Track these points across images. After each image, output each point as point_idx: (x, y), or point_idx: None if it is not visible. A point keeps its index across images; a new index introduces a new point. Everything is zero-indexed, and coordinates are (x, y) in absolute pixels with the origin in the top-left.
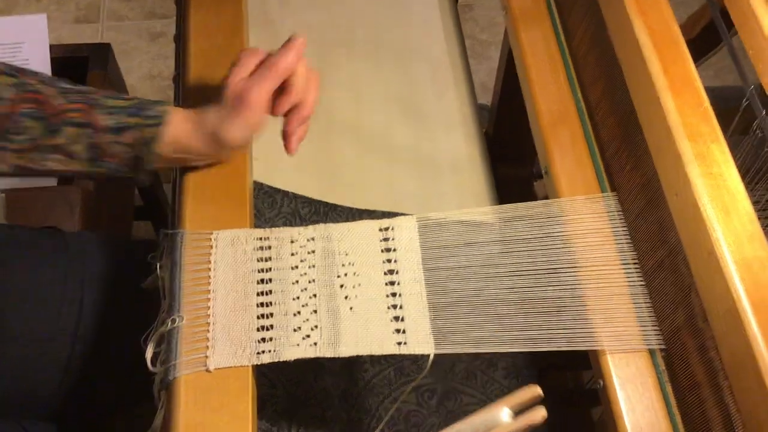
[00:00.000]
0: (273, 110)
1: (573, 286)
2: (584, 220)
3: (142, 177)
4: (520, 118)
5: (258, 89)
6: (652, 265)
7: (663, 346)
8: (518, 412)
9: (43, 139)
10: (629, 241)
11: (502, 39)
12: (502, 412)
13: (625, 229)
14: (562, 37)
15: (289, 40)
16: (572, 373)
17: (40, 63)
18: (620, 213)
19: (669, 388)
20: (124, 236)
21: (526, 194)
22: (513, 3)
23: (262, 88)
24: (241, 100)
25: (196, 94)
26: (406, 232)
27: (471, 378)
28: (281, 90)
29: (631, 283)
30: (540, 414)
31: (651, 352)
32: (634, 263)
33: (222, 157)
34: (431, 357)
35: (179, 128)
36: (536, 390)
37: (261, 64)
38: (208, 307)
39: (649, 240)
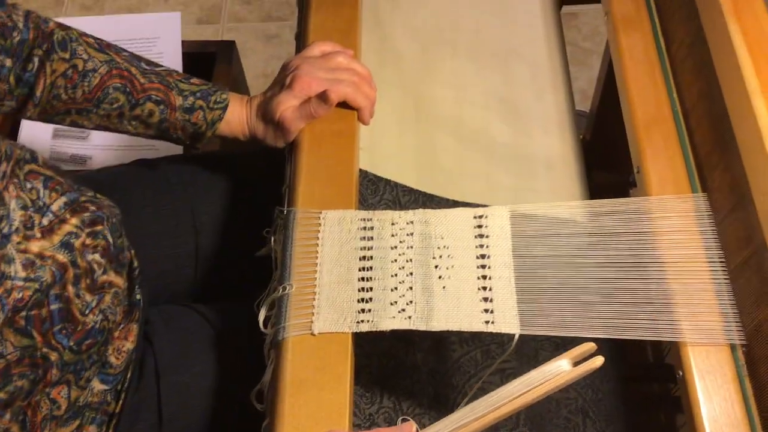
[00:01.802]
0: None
1: (658, 281)
2: (673, 218)
3: (198, 146)
4: (618, 126)
5: (298, 122)
6: (738, 264)
7: (744, 342)
8: (576, 364)
9: (126, 109)
10: (717, 240)
11: (604, 48)
12: (562, 363)
13: (713, 228)
14: (662, 42)
15: (325, 97)
16: (659, 383)
17: (173, 57)
18: (709, 213)
19: (747, 382)
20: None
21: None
22: (614, 7)
23: (301, 122)
24: (281, 124)
25: None
26: (498, 220)
27: None
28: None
29: (716, 280)
30: (598, 361)
31: (732, 347)
32: (720, 261)
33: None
34: (516, 336)
35: (235, 120)
36: (591, 345)
37: (305, 104)
38: (315, 278)
39: (736, 239)
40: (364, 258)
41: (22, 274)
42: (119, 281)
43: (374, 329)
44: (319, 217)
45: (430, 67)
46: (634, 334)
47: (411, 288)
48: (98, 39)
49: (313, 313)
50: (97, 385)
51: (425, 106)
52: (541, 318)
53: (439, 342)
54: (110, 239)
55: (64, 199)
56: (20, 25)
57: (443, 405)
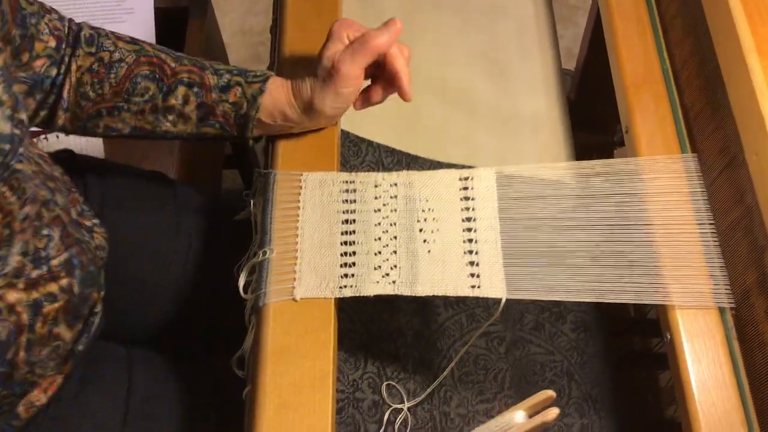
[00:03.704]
0: (370, 96)
1: (647, 243)
2: (662, 179)
3: (248, 136)
4: (604, 85)
5: (350, 62)
6: (728, 226)
7: (733, 305)
8: (533, 414)
9: (159, 99)
10: (706, 201)
11: (590, 5)
12: (517, 415)
13: (703, 189)
14: None
15: (387, 22)
16: (640, 337)
17: (144, 12)
18: (699, 174)
19: (736, 345)
20: (217, 189)
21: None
22: None
23: (354, 62)
24: (334, 72)
25: (292, 44)
26: (484, 182)
27: (539, 329)
28: (377, 75)
29: (706, 243)
30: (552, 414)
31: (721, 310)
32: (710, 223)
33: (317, 125)
34: (503, 301)
35: (279, 92)
36: (549, 393)
37: (355, 39)
38: (296, 243)
39: (726, 201)
40: (346, 221)
41: None
42: (67, 335)
43: (357, 294)
44: (300, 179)
45: (413, 24)
46: (622, 297)
47: (395, 252)
48: (133, 37)
49: (294, 278)
50: None
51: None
52: (527, 282)
53: (424, 306)
54: (76, 290)
55: (66, 255)
56: (63, 31)
57: (428, 369)
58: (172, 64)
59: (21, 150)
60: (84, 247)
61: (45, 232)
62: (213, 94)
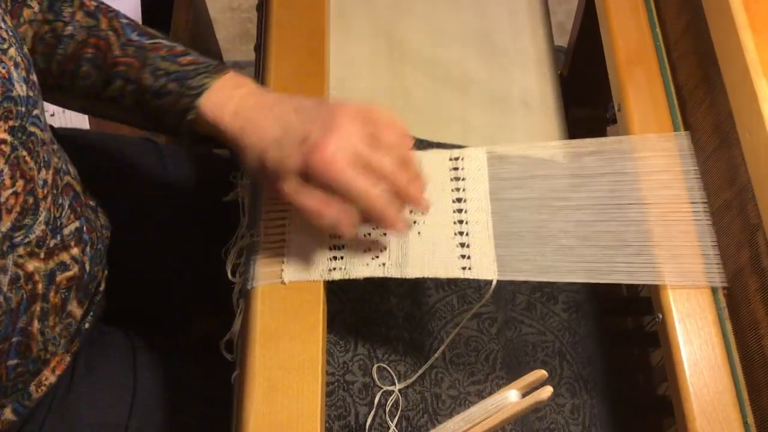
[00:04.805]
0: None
1: (639, 222)
2: (655, 157)
3: (188, 143)
4: (597, 61)
5: (306, 198)
6: (721, 204)
7: (726, 284)
8: (525, 394)
9: (99, 88)
10: (699, 180)
11: None
12: (510, 393)
13: (696, 168)
14: None
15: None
16: (633, 317)
17: None
18: (692, 152)
19: (728, 325)
20: (207, 152)
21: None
22: None
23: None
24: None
25: (279, 22)
26: (475, 162)
27: (531, 309)
28: None
29: (699, 222)
30: (546, 393)
31: (713, 290)
32: (703, 202)
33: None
34: (494, 283)
35: (214, 109)
36: (542, 373)
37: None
38: (284, 225)
39: (719, 179)
40: None
41: (5, 289)
42: (78, 312)
43: (347, 277)
44: None
45: (404, 2)
46: (614, 277)
47: (385, 234)
48: (103, 4)
49: (283, 262)
50: (8, 415)
51: (397, 43)
52: (519, 263)
53: (415, 287)
54: (87, 268)
55: (77, 224)
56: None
57: (419, 351)
58: (116, 52)
59: (36, 112)
60: (92, 225)
61: (60, 201)
62: (147, 96)
